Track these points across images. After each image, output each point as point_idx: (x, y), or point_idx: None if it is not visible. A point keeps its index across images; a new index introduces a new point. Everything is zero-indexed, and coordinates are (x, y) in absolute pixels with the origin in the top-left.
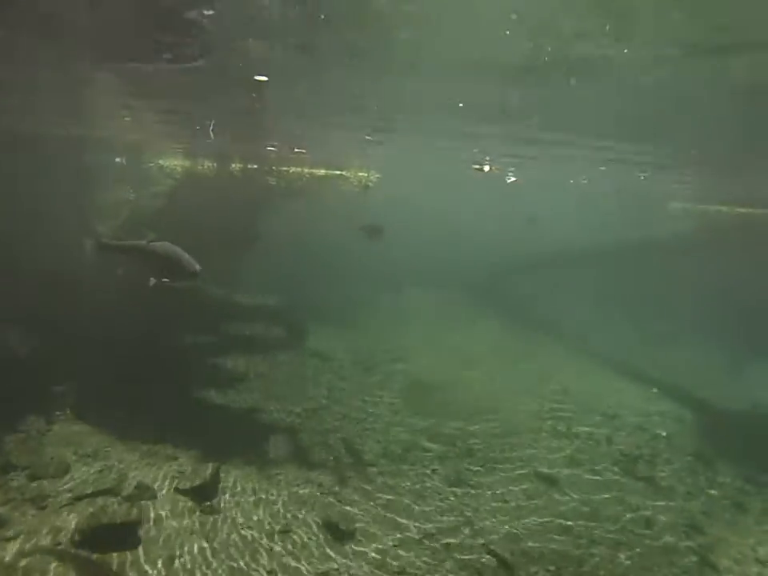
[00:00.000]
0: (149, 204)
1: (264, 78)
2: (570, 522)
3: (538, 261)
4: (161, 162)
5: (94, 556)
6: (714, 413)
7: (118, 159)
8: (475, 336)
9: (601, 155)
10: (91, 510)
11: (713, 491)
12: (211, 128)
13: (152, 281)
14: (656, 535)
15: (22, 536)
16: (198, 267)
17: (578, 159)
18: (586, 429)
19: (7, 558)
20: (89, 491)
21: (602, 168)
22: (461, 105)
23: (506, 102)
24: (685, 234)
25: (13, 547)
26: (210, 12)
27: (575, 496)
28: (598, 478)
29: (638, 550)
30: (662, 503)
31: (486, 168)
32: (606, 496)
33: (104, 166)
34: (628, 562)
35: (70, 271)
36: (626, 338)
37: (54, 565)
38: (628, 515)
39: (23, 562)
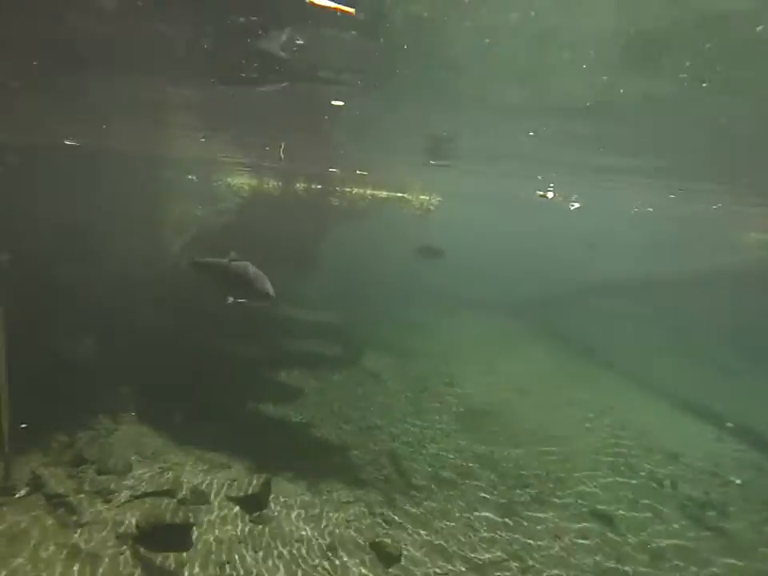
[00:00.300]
0: (217, 220)
1: (340, 103)
2: (627, 568)
3: (599, 287)
4: (229, 179)
5: (149, 553)
6: None
7: (190, 177)
8: (531, 362)
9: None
10: (149, 508)
11: None
12: (281, 150)
13: (230, 299)
14: None
15: (89, 524)
16: (271, 290)
17: (644, 188)
18: (648, 467)
19: (75, 542)
20: (147, 490)
21: (672, 196)
22: (531, 134)
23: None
24: (757, 264)
25: (81, 533)
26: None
27: (634, 539)
28: (660, 522)
29: None
30: (739, 563)
31: (550, 195)
32: (669, 544)
33: (178, 183)
34: None
35: (145, 282)
36: (692, 370)
37: (113, 555)
38: (695, 569)
39: (88, 548)
